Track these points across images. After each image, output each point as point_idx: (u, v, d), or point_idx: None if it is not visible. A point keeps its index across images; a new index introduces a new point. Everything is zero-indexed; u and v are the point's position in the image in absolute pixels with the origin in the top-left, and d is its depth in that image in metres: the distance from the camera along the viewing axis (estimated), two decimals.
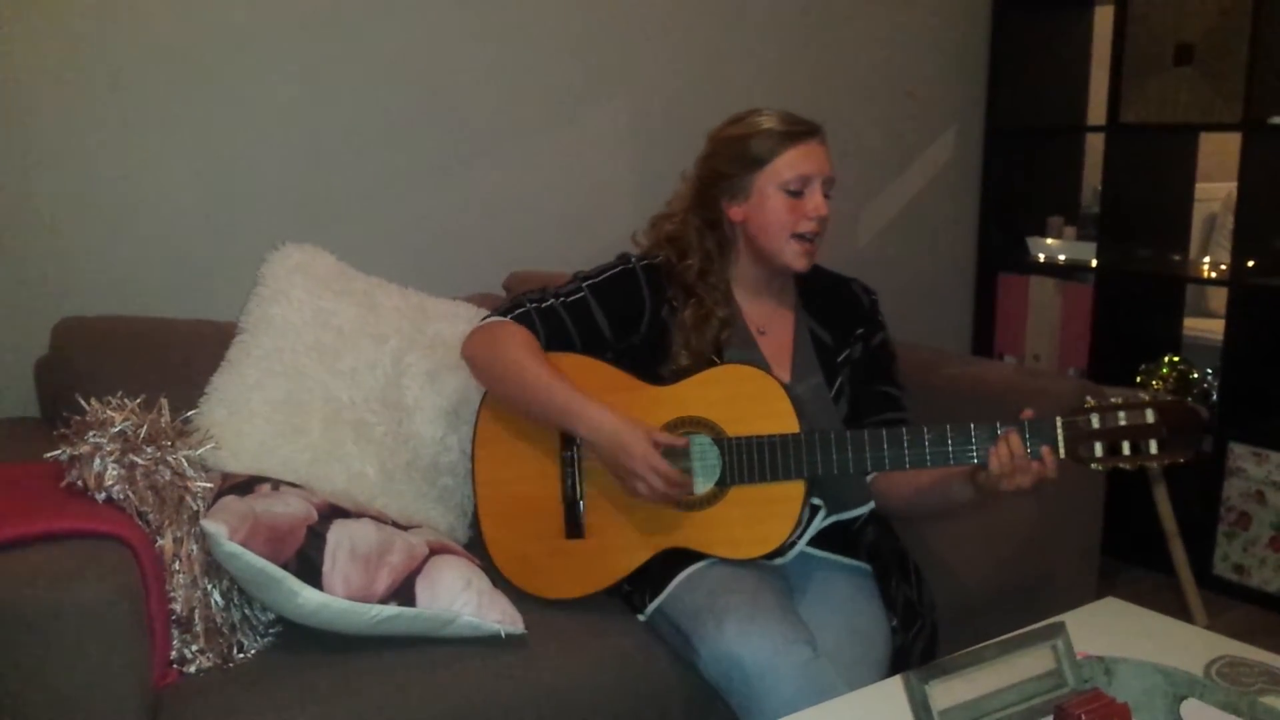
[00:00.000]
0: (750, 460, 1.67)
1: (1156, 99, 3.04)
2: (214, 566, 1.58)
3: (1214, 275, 3.11)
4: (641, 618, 1.75)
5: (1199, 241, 3.45)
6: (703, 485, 1.72)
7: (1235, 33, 2.84)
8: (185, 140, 2.24)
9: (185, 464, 1.62)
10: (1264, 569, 2.93)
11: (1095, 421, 1.55)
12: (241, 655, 1.59)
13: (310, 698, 1.50)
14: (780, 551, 1.76)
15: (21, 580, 1.32)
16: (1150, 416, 1.54)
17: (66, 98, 2.12)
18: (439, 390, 1.98)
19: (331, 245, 2.09)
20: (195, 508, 1.60)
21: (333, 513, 1.64)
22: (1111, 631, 1.50)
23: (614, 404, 1.72)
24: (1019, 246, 3.45)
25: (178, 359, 1.94)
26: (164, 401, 1.67)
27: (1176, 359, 3.19)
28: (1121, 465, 1.56)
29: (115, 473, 1.53)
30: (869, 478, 1.84)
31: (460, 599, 1.60)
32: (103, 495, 1.52)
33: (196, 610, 1.56)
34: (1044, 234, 3.43)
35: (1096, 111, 3.38)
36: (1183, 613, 2.78)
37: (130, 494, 1.53)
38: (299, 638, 1.60)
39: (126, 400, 1.62)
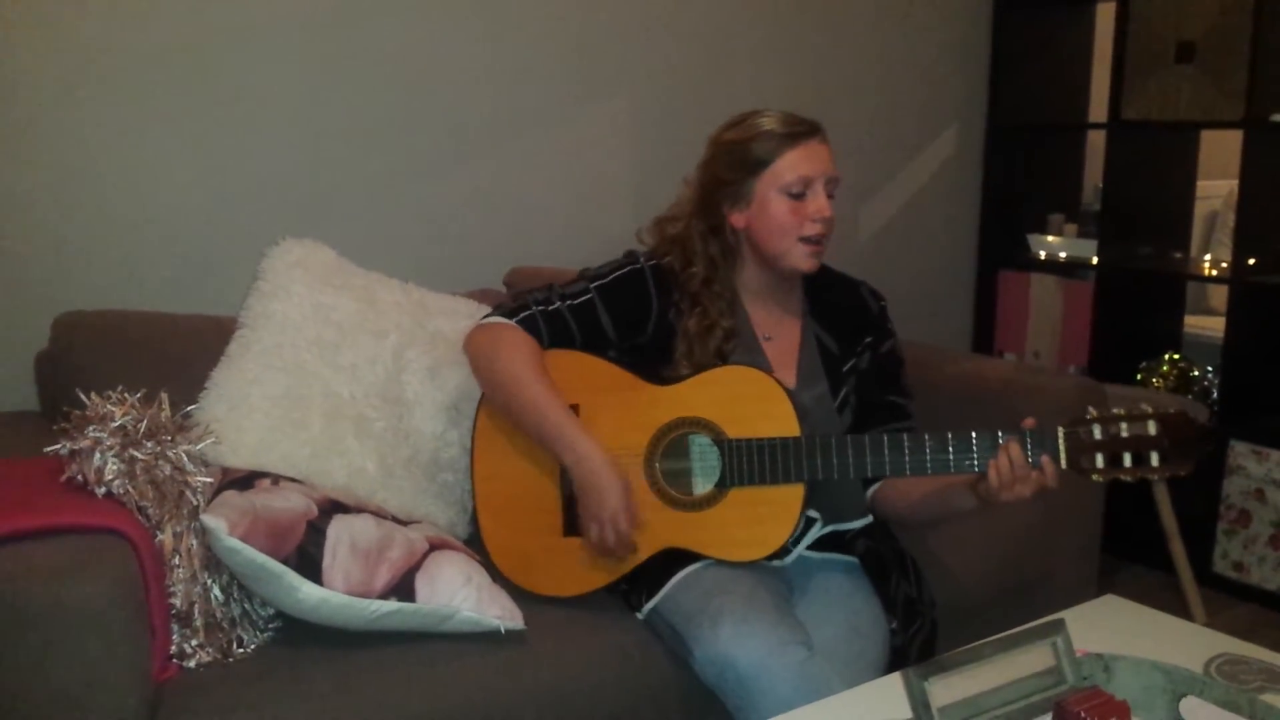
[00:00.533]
0: (750, 462, 1.66)
1: (1158, 96, 3.03)
2: (214, 561, 1.58)
3: (1215, 273, 3.11)
4: (639, 616, 1.75)
5: (1200, 239, 3.45)
6: (702, 486, 1.72)
7: (1237, 30, 2.84)
8: (186, 135, 2.24)
9: (185, 459, 1.62)
10: (1264, 567, 2.93)
11: (1097, 432, 1.54)
12: (241, 650, 1.59)
13: (310, 693, 1.50)
14: (778, 555, 1.75)
15: (21, 575, 1.32)
16: (1153, 428, 1.53)
17: (67, 93, 2.12)
18: (439, 385, 1.98)
19: (332, 240, 2.08)
20: (195, 502, 1.60)
21: (333, 508, 1.64)
22: (1111, 629, 1.50)
23: (613, 403, 1.71)
24: (1020, 244, 3.45)
25: (178, 354, 1.94)
26: (164, 396, 1.67)
27: (1177, 356, 3.19)
28: (1122, 477, 1.55)
29: (115, 467, 1.53)
30: (869, 492, 1.83)
31: (460, 594, 1.60)
32: (103, 490, 1.52)
33: (196, 605, 1.56)
34: (1045, 231, 3.43)
35: (1098, 109, 3.38)
36: (1182, 610, 2.79)
37: (130, 489, 1.53)
38: (299, 633, 1.60)
39: (126, 395, 1.63)
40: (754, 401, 1.68)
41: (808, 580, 1.77)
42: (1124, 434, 1.53)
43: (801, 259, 1.74)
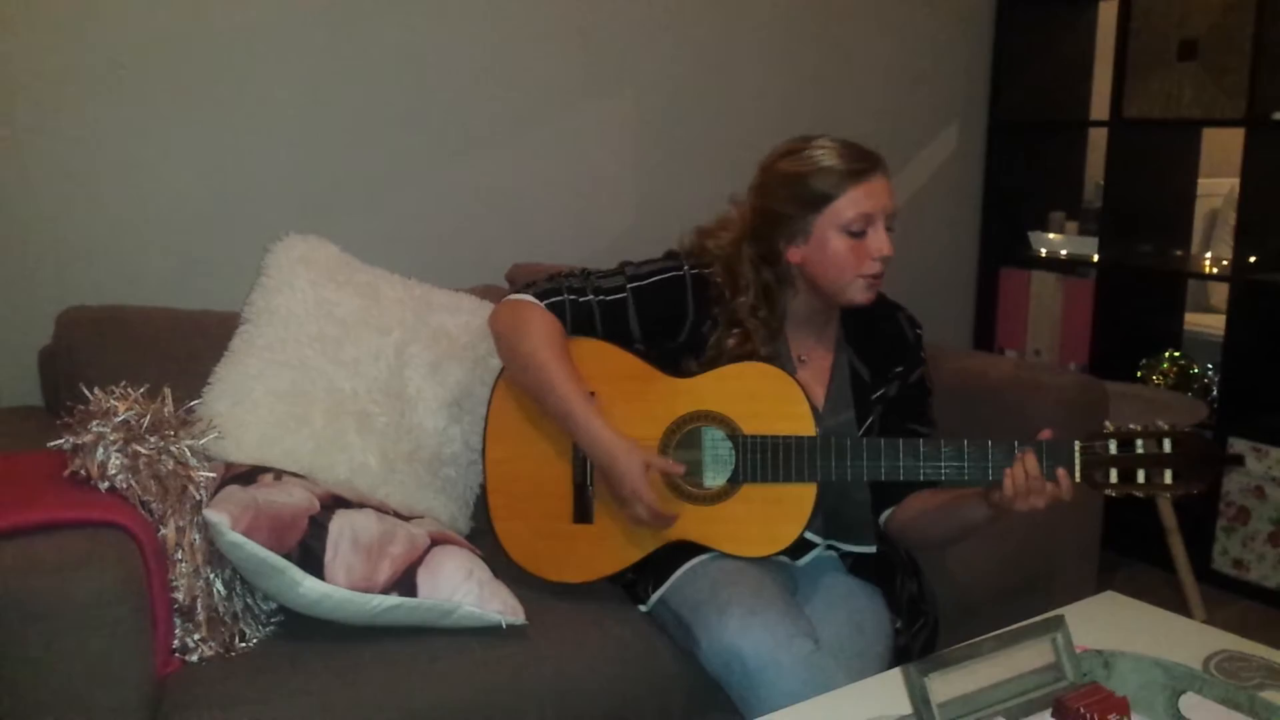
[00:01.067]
0: (764, 459, 1.66)
1: (1159, 94, 3.03)
2: (216, 556, 1.58)
3: (1215, 271, 3.11)
4: (643, 608, 1.75)
5: (1201, 237, 3.45)
6: (714, 480, 1.72)
7: (1239, 28, 2.84)
8: (189, 131, 2.24)
9: (188, 454, 1.62)
10: (1263, 564, 2.94)
11: (1113, 448, 1.54)
12: (243, 644, 1.59)
13: (312, 687, 1.50)
14: (786, 554, 1.75)
15: (24, 569, 1.32)
16: (1168, 446, 1.53)
17: (71, 89, 2.11)
18: (441, 381, 1.99)
19: (335, 236, 2.08)
20: (198, 497, 1.61)
21: (335, 503, 1.65)
22: (1111, 625, 1.51)
23: (630, 392, 1.71)
24: (1021, 241, 3.45)
25: (181, 349, 1.94)
26: (167, 391, 1.68)
27: (1177, 354, 3.20)
28: (1135, 493, 1.55)
29: (118, 462, 1.53)
30: (883, 518, 1.81)
31: (461, 589, 1.60)
32: (106, 484, 1.52)
33: (199, 599, 1.57)
34: (1046, 228, 3.43)
35: (1099, 106, 3.38)
36: (1182, 607, 2.79)
37: (133, 483, 1.54)
38: (301, 627, 1.61)
39: (130, 390, 1.63)
40: (771, 399, 1.68)
41: (812, 578, 1.77)
42: (1139, 451, 1.53)
43: (859, 293, 1.71)
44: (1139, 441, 1.54)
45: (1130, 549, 3.12)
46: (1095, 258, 3.21)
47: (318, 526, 1.56)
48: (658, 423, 1.72)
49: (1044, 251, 3.39)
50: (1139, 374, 3.22)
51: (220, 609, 1.60)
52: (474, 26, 2.53)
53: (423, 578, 1.59)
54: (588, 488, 1.76)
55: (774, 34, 2.98)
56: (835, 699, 1.41)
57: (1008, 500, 1.56)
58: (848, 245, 1.67)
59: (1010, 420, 2.13)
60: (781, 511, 1.68)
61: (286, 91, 2.33)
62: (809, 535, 1.77)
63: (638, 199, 2.80)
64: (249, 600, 1.65)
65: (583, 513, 1.76)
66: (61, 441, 1.55)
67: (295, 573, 1.51)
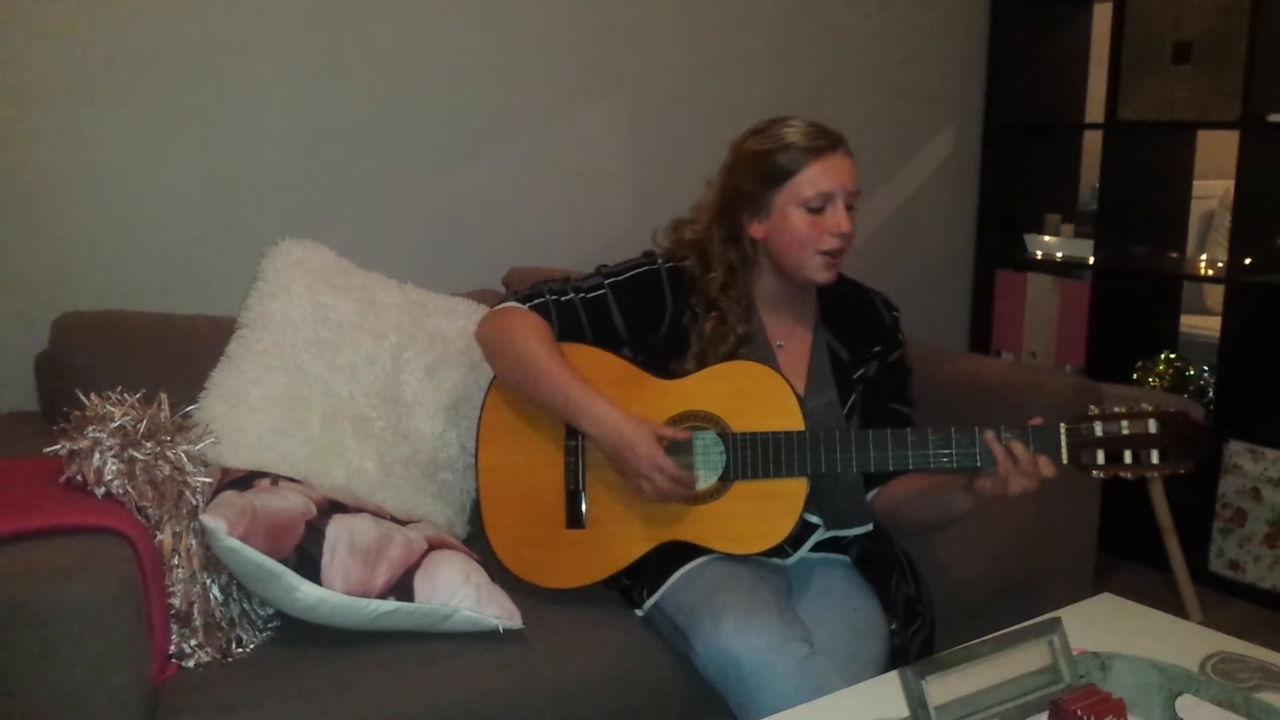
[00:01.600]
0: (754, 456, 1.67)
1: (1154, 96, 3.04)
2: (213, 561, 1.58)
3: (1211, 273, 3.11)
4: (639, 613, 1.75)
5: (1196, 239, 3.46)
6: (705, 479, 1.73)
7: (1233, 30, 2.85)
8: (184, 136, 2.24)
9: (185, 459, 1.62)
10: (1259, 565, 2.94)
11: (1098, 429, 1.56)
12: (240, 650, 1.59)
13: (309, 692, 1.50)
14: (778, 553, 1.76)
15: (21, 575, 1.32)
16: (1153, 427, 1.55)
17: (66, 94, 2.12)
18: (438, 385, 1.99)
19: (331, 241, 2.09)
20: (194, 503, 1.60)
21: (331, 508, 1.65)
22: (1107, 627, 1.51)
23: (620, 396, 1.72)
24: (1016, 243, 3.46)
25: (177, 354, 1.94)
26: (163, 396, 1.67)
27: (1173, 356, 3.20)
28: (1123, 474, 1.57)
29: (114, 467, 1.53)
30: (870, 495, 1.83)
31: (459, 594, 1.60)
32: (102, 490, 1.52)
33: (195, 605, 1.57)
34: (1041, 231, 3.43)
35: (1095, 109, 3.39)
36: (1178, 609, 2.80)
37: (129, 489, 1.53)
38: (298, 632, 1.61)
39: (126, 395, 1.63)
40: (760, 397, 1.69)
41: (807, 580, 1.78)
42: (1125, 431, 1.55)
43: (818, 271, 1.74)
44: (1124, 423, 1.55)
45: (1127, 551, 3.12)
46: (1091, 260, 3.21)
47: (314, 531, 1.56)
48: None
49: (1040, 254, 3.40)
50: (1135, 376, 3.23)
51: (217, 614, 1.59)
52: (471, 31, 2.54)
53: (420, 582, 1.59)
54: (580, 493, 1.77)
55: (770, 38, 2.99)
56: (832, 702, 1.41)
57: (999, 484, 1.57)
58: (807, 221, 1.71)
59: (1006, 423, 2.13)
60: (774, 508, 1.68)
61: (283, 96, 2.34)
62: (810, 518, 1.78)
63: (635, 203, 2.80)
64: (246, 605, 1.64)
65: (574, 518, 1.77)
66: (58, 447, 1.55)
67: (292, 578, 1.50)
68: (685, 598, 1.66)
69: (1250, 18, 2.81)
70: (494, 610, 1.62)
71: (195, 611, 1.56)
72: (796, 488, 1.67)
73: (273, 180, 2.35)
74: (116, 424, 1.56)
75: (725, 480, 1.70)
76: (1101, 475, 1.58)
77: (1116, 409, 1.58)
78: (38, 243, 2.13)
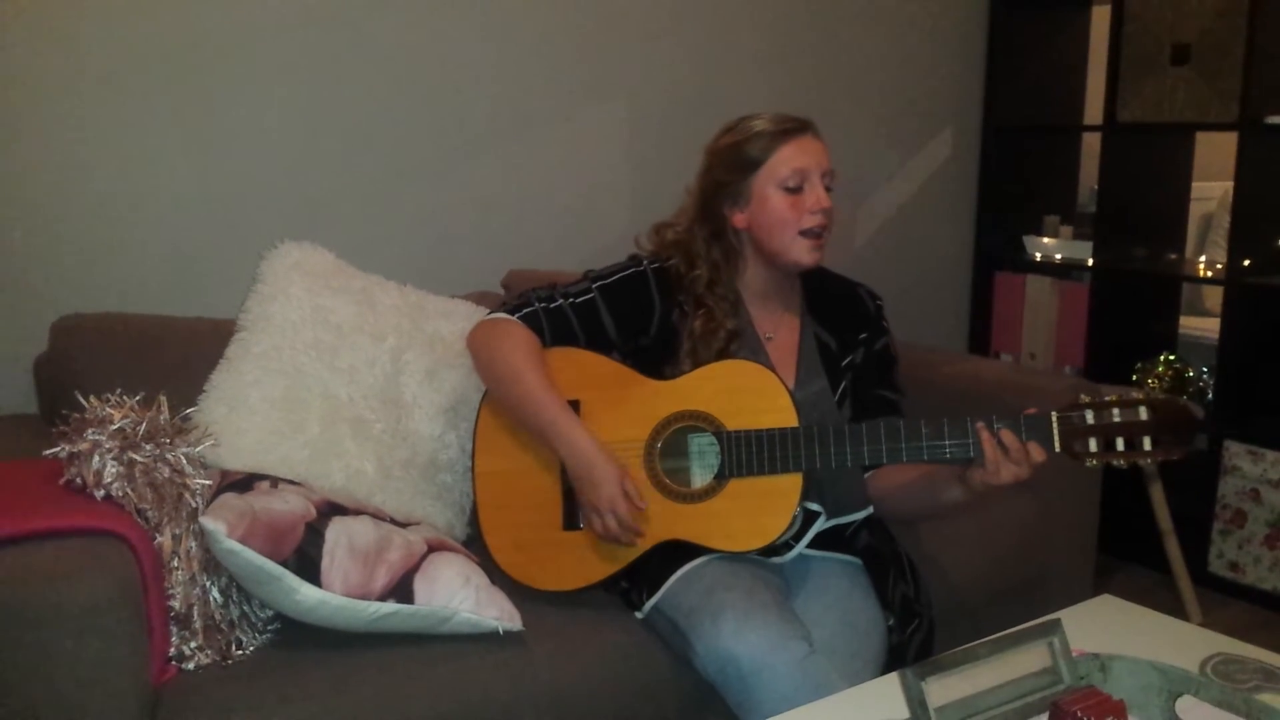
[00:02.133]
0: (749, 453, 1.68)
1: (1153, 98, 3.04)
2: (213, 563, 1.58)
3: (1210, 274, 3.11)
4: (639, 615, 1.75)
5: (1195, 241, 3.46)
6: (701, 478, 1.73)
7: (1231, 32, 2.85)
8: (184, 138, 2.24)
9: (184, 461, 1.62)
10: (1259, 566, 2.94)
11: (1090, 417, 1.57)
12: (240, 652, 1.59)
13: (308, 694, 1.50)
14: (778, 550, 1.76)
15: (20, 577, 1.32)
16: (1144, 414, 1.55)
17: (65, 96, 2.12)
18: (437, 388, 1.99)
19: (330, 243, 2.09)
20: (194, 505, 1.60)
21: (331, 510, 1.65)
22: (1107, 629, 1.51)
23: (613, 398, 1.72)
24: (1015, 245, 3.46)
25: (176, 357, 1.94)
26: (163, 399, 1.67)
27: (1172, 357, 3.20)
28: (1115, 462, 1.57)
29: (114, 470, 1.53)
30: (866, 477, 1.85)
31: (458, 596, 1.60)
32: (101, 493, 1.52)
33: (195, 607, 1.56)
34: (1040, 233, 3.43)
35: (1093, 111, 3.39)
36: (1178, 610, 2.80)
37: (129, 491, 1.53)
38: (297, 635, 1.61)
39: (125, 398, 1.63)
40: (753, 394, 1.70)
41: (805, 578, 1.78)
42: (1116, 419, 1.56)
43: (803, 253, 1.76)
44: (1116, 410, 1.56)
45: (1126, 552, 3.13)
46: (1090, 261, 3.21)
47: (314, 533, 1.56)
48: (643, 424, 1.74)
49: (1039, 256, 3.40)
50: (1134, 377, 3.22)
51: (216, 616, 1.59)
52: (470, 33, 2.54)
53: (419, 584, 1.59)
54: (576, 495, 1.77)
55: (770, 40, 2.99)
56: (832, 704, 1.41)
57: (990, 472, 1.57)
58: (786, 201, 1.74)
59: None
60: (769, 504, 1.69)
61: (282, 97, 2.34)
62: (811, 506, 1.78)
63: (633, 205, 2.80)
64: (245, 608, 1.64)
65: (571, 520, 1.77)
66: (57, 450, 1.55)
67: (291, 580, 1.50)
68: (684, 598, 1.67)
69: (1248, 20, 2.81)
70: (493, 612, 1.62)
71: (195, 614, 1.56)
72: (792, 483, 1.68)
73: (272, 182, 2.35)
74: (116, 426, 1.56)
75: (721, 478, 1.71)
76: (1094, 463, 1.58)
77: (1107, 396, 1.58)
78: (38, 244, 2.13)
